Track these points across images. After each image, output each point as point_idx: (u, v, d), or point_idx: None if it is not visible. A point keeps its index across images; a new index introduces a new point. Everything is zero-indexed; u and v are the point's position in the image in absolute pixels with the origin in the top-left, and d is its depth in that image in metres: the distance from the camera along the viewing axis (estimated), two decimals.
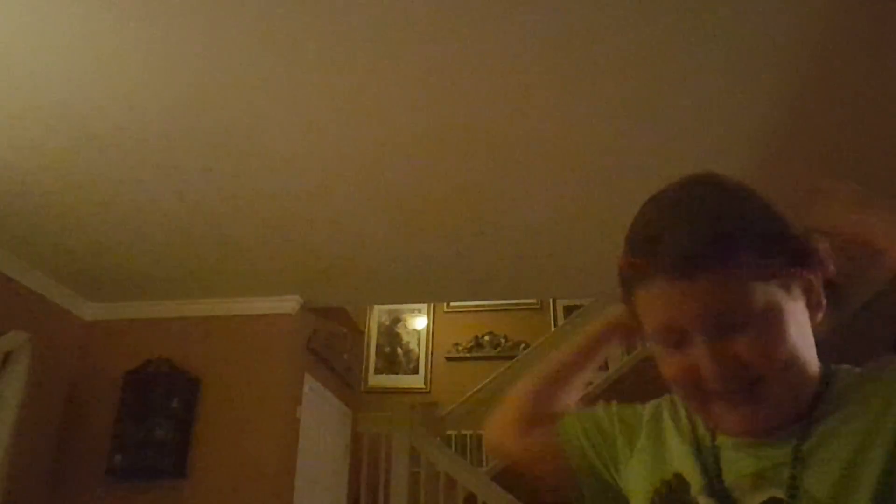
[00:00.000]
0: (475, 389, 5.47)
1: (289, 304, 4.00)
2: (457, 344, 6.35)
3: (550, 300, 6.20)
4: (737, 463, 0.75)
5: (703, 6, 2.01)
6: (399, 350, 6.41)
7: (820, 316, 0.77)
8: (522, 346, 6.11)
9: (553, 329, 6.02)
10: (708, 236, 0.70)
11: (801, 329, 0.73)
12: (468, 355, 6.30)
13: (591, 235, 3.27)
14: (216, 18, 2.07)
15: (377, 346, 6.37)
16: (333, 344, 4.60)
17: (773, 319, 0.70)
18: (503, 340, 6.28)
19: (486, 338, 6.32)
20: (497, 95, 2.40)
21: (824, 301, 0.77)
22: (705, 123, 2.51)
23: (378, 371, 6.28)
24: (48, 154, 2.72)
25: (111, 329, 4.07)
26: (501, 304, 6.10)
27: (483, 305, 6.14)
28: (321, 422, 4.32)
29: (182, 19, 2.07)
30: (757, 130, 2.54)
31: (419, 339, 6.43)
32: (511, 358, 5.77)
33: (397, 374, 6.28)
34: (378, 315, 6.47)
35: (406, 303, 6.05)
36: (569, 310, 6.01)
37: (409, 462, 4.22)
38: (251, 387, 3.82)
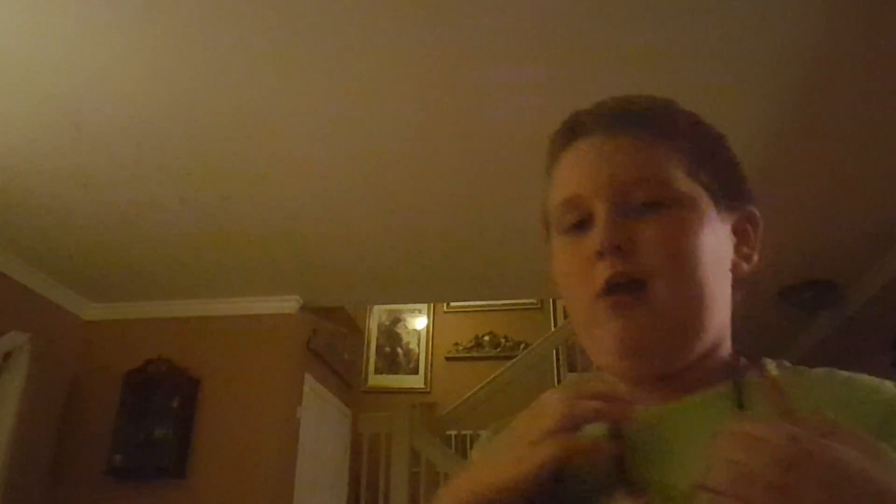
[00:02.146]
0: (475, 389, 5.46)
1: (289, 304, 4.00)
2: (457, 344, 6.35)
3: (550, 300, 6.20)
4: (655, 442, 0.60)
5: (704, 7, 2.01)
6: (399, 350, 6.41)
7: (746, 269, 0.67)
8: (522, 346, 6.11)
9: (553, 329, 6.02)
10: (645, 104, 0.66)
11: (718, 255, 0.64)
12: (468, 355, 6.30)
13: None
14: (216, 19, 2.07)
15: (377, 346, 6.37)
16: (333, 344, 4.60)
17: (687, 215, 0.62)
18: (503, 340, 6.28)
19: (486, 338, 6.32)
20: (498, 95, 2.40)
21: (755, 258, 0.68)
22: (704, 118, 2.51)
23: (378, 371, 6.28)
24: (48, 154, 2.72)
25: (111, 329, 4.07)
26: (501, 304, 6.10)
27: (483, 305, 6.14)
28: (321, 422, 4.32)
29: (182, 19, 2.07)
30: (757, 132, 2.54)
31: (419, 339, 6.43)
32: (511, 358, 5.76)
33: (397, 374, 6.28)
34: (378, 315, 6.46)
35: (406, 303, 6.04)
36: None
37: (409, 462, 4.22)
38: (251, 387, 3.82)
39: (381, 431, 4.42)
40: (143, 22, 2.08)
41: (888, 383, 0.60)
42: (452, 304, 6.36)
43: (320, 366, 4.42)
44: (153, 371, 3.81)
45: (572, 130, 0.68)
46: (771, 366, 0.66)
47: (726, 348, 0.66)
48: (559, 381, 5.70)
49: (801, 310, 3.79)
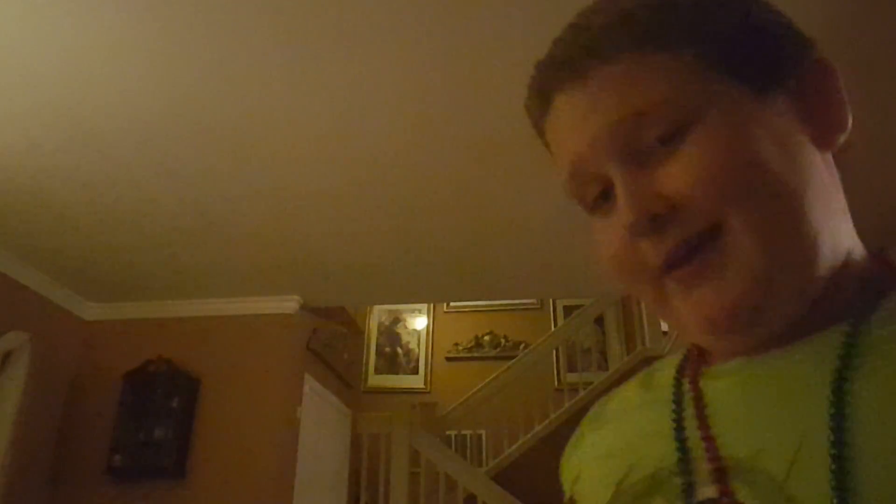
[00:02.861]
0: (475, 389, 5.47)
1: (289, 304, 4.00)
2: (457, 344, 6.36)
3: (550, 300, 6.21)
4: (730, 410, 0.46)
5: None
6: (399, 350, 6.41)
7: (841, 138, 0.49)
8: (522, 346, 6.11)
9: (553, 329, 6.02)
10: (611, 16, 0.49)
11: (790, 146, 0.46)
12: (468, 355, 6.31)
13: (590, 234, 3.26)
14: (217, 19, 2.07)
15: (377, 346, 6.38)
16: (333, 344, 4.60)
17: (721, 120, 0.45)
18: (503, 340, 6.29)
19: (486, 338, 6.33)
20: (498, 95, 2.40)
21: (846, 117, 0.49)
22: None
23: (378, 371, 6.29)
24: (48, 154, 2.72)
25: (111, 329, 4.07)
26: (501, 304, 6.11)
27: (483, 305, 6.15)
28: (321, 422, 4.32)
29: (182, 20, 2.07)
30: None
31: (419, 339, 6.44)
32: (511, 358, 5.78)
33: (397, 374, 6.29)
34: (378, 315, 6.47)
35: (406, 303, 6.05)
36: (569, 310, 6.02)
37: (409, 462, 4.23)
38: (251, 387, 3.82)
39: (381, 431, 4.42)
40: (143, 22, 2.08)
41: None
42: (452, 304, 6.37)
43: (320, 366, 4.42)
44: (153, 371, 3.81)
45: (540, 95, 0.53)
46: None
47: (852, 258, 0.48)
48: (559, 381, 5.71)
49: None
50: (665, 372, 0.55)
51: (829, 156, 0.49)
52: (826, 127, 0.48)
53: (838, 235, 0.47)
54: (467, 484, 4.26)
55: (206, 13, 2.04)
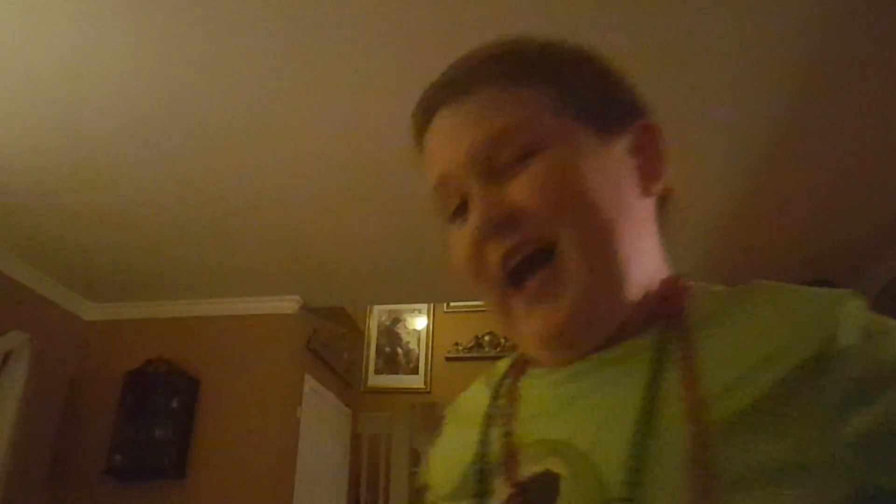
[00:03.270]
0: None
1: (289, 304, 4.00)
2: (457, 344, 6.35)
3: None
4: (550, 403, 0.55)
5: (708, 4, 2.01)
6: (399, 350, 6.40)
7: (659, 187, 0.58)
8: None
9: None
10: (488, 55, 0.58)
11: (613, 184, 0.55)
12: (468, 355, 6.29)
13: None
14: (216, 19, 2.07)
15: (377, 346, 6.37)
16: (333, 344, 4.60)
17: (562, 152, 0.53)
18: (503, 340, 6.27)
19: (486, 338, 6.32)
20: None
21: (663, 173, 0.59)
22: (707, 120, 2.51)
23: (378, 371, 6.28)
24: (48, 154, 2.72)
25: (111, 329, 4.07)
26: None
27: (483, 305, 6.12)
28: (321, 422, 4.32)
29: (182, 20, 2.07)
30: (758, 132, 2.54)
31: (419, 339, 6.43)
32: None
33: (397, 374, 6.27)
34: (378, 315, 6.46)
35: (406, 303, 6.04)
36: None
37: (409, 462, 4.23)
38: (251, 387, 3.82)
39: (381, 431, 4.42)
40: (143, 22, 2.08)
41: (844, 302, 0.49)
42: (452, 304, 6.36)
43: (320, 366, 4.42)
44: (153, 371, 3.81)
45: (424, 111, 0.61)
46: (704, 301, 0.55)
47: (655, 282, 0.57)
48: None
49: None
50: (498, 372, 0.65)
51: (648, 200, 0.58)
52: (647, 176, 0.58)
53: (646, 264, 0.57)
54: None
55: (206, 13, 2.04)
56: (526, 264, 0.53)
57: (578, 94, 0.57)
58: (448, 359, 6.33)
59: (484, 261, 0.55)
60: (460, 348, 6.33)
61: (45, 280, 3.73)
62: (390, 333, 6.46)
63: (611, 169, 0.55)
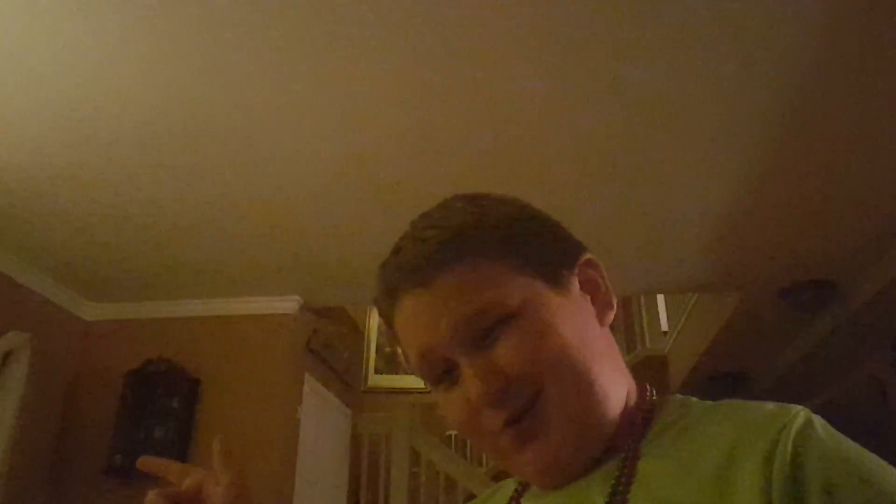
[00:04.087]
0: None
1: (289, 304, 4.00)
2: None
3: None
4: None
5: (707, 3, 2.01)
6: (399, 350, 6.40)
7: (611, 315, 0.67)
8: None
9: None
10: (441, 235, 0.63)
11: (580, 328, 0.62)
12: None
13: (590, 235, 3.26)
14: (216, 18, 2.07)
15: (377, 346, 6.37)
16: (333, 344, 4.60)
17: (534, 314, 0.60)
18: None
19: None
20: (496, 94, 2.40)
21: (613, 299, 0.68)
22: (707, 119, 2.51)
23: (378, 371, 6.28)
24: (48, 154, 2.72)
25: (111, 329, 4.07)
26: None
27: None
28: (321, 422, 4.32)
29: (182, 19, 2.07)
30: (759, 132, 2.54)
31: None
32: None
33: (397, 374, 6.28)
34: (378, 315, 6.46)
35: None
36: None
37: (409, 462, 4.23)
38: (251, 387, 3.82)
39: (381, 431, 4.42)
40: (142, 22, 2.08)
41: (783, 412, 0.55)
42: None
43: (320, 366, 4.42)
44: (153, 371, 3.81)
45: (389, 293, 0.66)
46: (662, 418, 0.63)
47: (629, 401, 0.65)
48: None
49: (801, 310, 3.79)
50: (505, 493, 0.72)
51: (606, 329, 0.66)
52: (600, 307, 0.66)
53: (617, 387, 0.64)
54: (467, 484, 4.26)
55: (206, 13, 2.04)
56: (518, 413, 0.60)
57: (534, 254, 0.63)
58: None
59: (481, 419, 0.61)
60: None
61: (45, 280, 3.73)
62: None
63: (575, 314, 0.63)
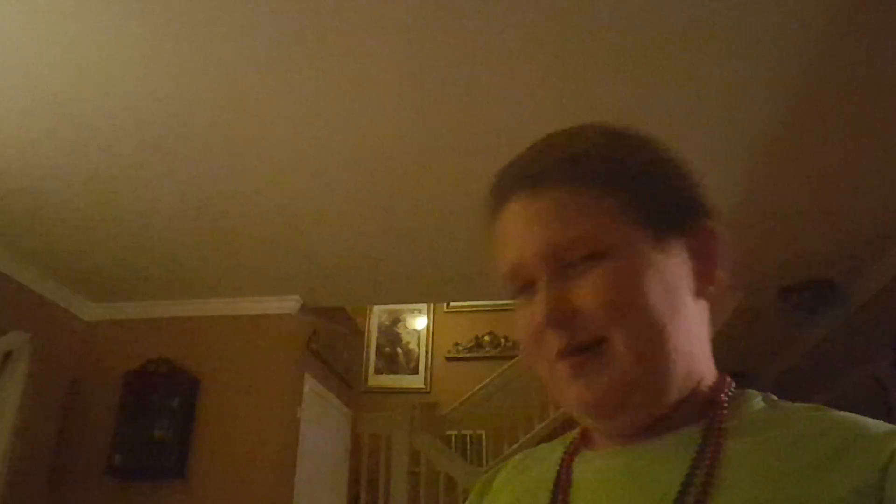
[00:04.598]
0: (475, 389, 5.47)
1: (289, 304, 4.00)
2: (457, 344, 6.35)
3: None
4: (598, 487, 0.61)
5: (708, 4, 2.01)
6: (399, 350, 6.41)
7: (712, 291, 0.64)
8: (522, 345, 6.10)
9: None
10: (564, 153, 0.63)
11: (667, 291, 0.60)
12: (468, 355, 6.30)
13: None
14: (216, 19, 2.07)
15: (377, 346, 6.37)
16: (333, 344, 4.60)
17: (624, 261, 0.59)
18: (503, 340, 6.28)
19: (486, 338, 6.33)
20: (496, 94, 2.40)
21: (717, 276, 0.64)
22: (705, 119, 2.51)
23: (378, 371, 6.28)
24: (48, 154, 2.72)
25: (111, 329, 4.07)
26: (501, 304, 6.09)
27: (483, 305, 6.14)
28: (321, 422, 4.32)
29: (183, 19, 2.07)
30: (759, 132, 2.54)
31: (419, 339, 6.43)
32: (511, 358, 5.77)
33: (397, 374, 6.28)
34: (378, 315, 6.46)
35: (406, 303, 6.04)
36: None
37: (409, 462, 4.23)
38: (251, 387, 3.82)
39: (381, 431, 4.42)
40: (143, 22, 2.08)
41: (873, 427, 0.55)
42: (452, 304, 6.36)
43: (320, 366, 4.42)
44: (153, 371, 3.81)
45: (499, 193, 0.66)
46: (746, 407, 0.61)
47: (705, 381, 0.63)
48: None
49: (801, 310, 3.79)
50: (557, 449, 0.70)
51: (701, 301, 0.64)
52: (702, 279, 0.63)
53: (694, 363, 0.62)
54: (467, 484, 4.26)
55: (207, 14, 2.04)
56: (577, 349, 0.60)
57: (648, 199, 0.61)
58: (448, 359, 6.34)
59: (543, 340, 0.61)
60: (460, 348, 6.34)
61: (45, 280, 3.73)
62: (390, 333, 6.46)
63: (670, 274, 0.61)
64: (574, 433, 0.72)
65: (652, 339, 0.59)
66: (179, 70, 2.29)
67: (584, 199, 0.60)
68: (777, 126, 2.50)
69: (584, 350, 0.59)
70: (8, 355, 3.49)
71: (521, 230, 0.62)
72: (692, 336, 0.62)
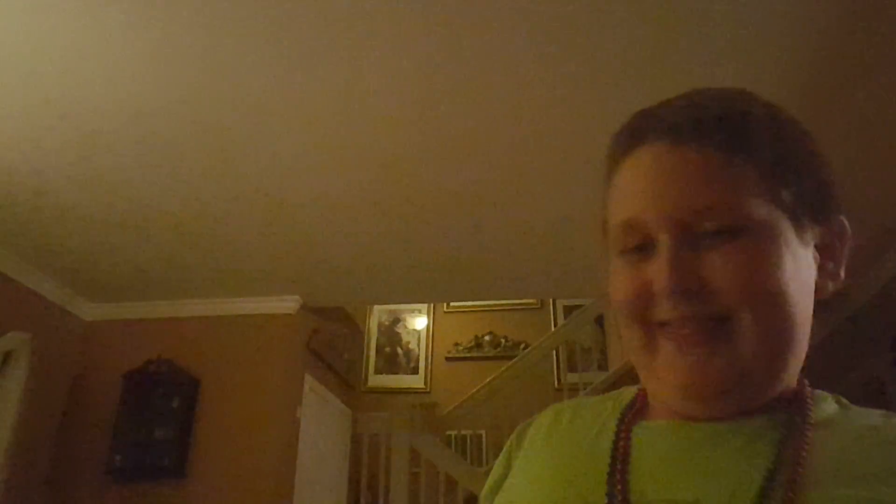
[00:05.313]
0: (475, 390, 5.46)
1: (289, 304, 4.00)
2: (457, 344, 6.35)
3: (550, 300, 6.20)
4: (670, 460, 0.55)
5: (707, 4, 2.01)
6: (399, 350, 6.41)
7: (830, 289, 0.59)
8: (522, 346, 6.11)
9: (553, 329, 6.02)
10: (718, 109, 0.56)
11: (800, 282, 0.55)
12: (468, 355, 6.30)
13: (591, 235, 3.27)
14: (217, 19, 2.07)
15: (377, 346, 6.37)
16: (333, 344, 4.60)
17: (766, 240, 0.53)
18: (503, 340, 6.28)
19: (486, 338, 6.33)
20: (496, 95, 2.40)
21: (842, 275, 0.59)
22: None
23: (378, 371, 6.28)
24: (49, 154, 2.72)
25: (111, 329, 4.07)
26: (501, 304, 6.10)
27: (483, 305, 6.14)
28: (321, 422, 4.32)
29: (183, 19, 2.07)
30: None
31: (419, 339, 6.43)
32: (511, 358, 5.77)
33: (397, 374, 6.28)
34: (378, 315, 6.47)
35: (406, 303, 6.05)
36: (569, 310, 6.01)
37: (409, 462, 4.23)
38: (251, 387, 3.82)
39: (381, 431, 4.42)
40: (143, 22, 2.08)
41: None
42: (452, 304, 6.36)
43: (320, 366, 4.42)
44: (153, 371, 3.81)
45: (634, 134, 0.59)
46: (823, 406, 0.57)
47: (793, 379, 0.59)
48: (559, 382, 5.71)
49: None
50: (614, 408, 0.64)
51: (815, 301, 0.58)
52: (825, 275, 0.58)
53: (800, 357, 0.57)
54: (467, 484, 4.26)
55: (207, 13, 2.04)
56: (694, 322, 0.53)
57: (794, 183, 0.56)
58: (448, 359, 6.34)
59: (647, 305, 0.55)
60: (460, 348, 6.34)
61: (45, 280, 3.73)
62: (390, 333, 6.46)
63: (803, 265, 0.56)
64: (624, 392, 0.66)
65: (783, 330, 0.53)
66: (180, 70, 2.29)
67: (733, 167, 0.54)
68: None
69: (702, 326, 0.53)
70: (8, 355, 3.49)
71: (652, 183, 0.55)
72: (806, 334, 0.57)
